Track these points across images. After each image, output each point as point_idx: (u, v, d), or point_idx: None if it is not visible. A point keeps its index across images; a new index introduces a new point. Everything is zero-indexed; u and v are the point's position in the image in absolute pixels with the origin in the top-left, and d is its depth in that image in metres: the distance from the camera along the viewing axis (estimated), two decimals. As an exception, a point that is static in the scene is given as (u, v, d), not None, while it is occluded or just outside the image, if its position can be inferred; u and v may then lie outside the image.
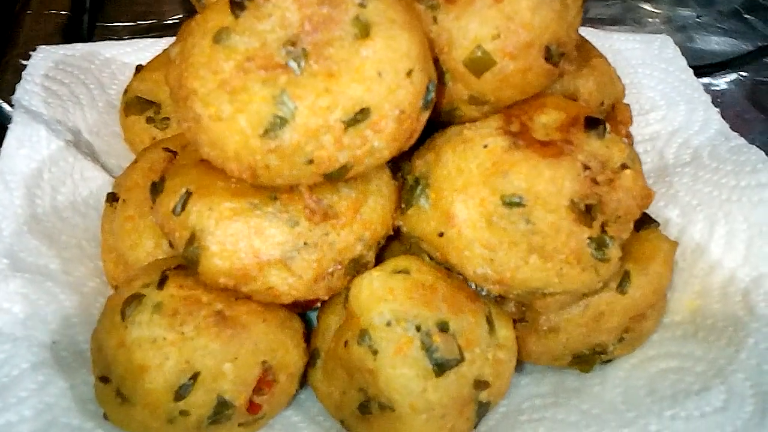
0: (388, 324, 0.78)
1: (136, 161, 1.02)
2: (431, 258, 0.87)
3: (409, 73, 0.73)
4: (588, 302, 0.87)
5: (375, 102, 0.71)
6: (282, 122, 0.70)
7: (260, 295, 0.80)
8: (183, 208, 0.78)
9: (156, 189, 0.83)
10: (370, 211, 0.83)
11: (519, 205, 0.78)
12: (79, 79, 1.33)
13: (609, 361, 0.95)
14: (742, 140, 1.24)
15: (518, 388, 0.95)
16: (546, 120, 0.85)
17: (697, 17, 1.82)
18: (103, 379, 0.80)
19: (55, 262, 1.02)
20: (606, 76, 1.01)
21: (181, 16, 1.85)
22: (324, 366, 0.87)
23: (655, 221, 0.96)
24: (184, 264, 0.82)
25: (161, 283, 0.79)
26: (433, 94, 0.77)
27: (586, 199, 0.79)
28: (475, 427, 0.87)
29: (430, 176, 0.84)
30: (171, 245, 0.81)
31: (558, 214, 0.78)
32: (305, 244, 0.78)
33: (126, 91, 1.21)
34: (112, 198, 1.02)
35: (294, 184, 0.76)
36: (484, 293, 0.86)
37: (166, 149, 1.01)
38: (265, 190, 0.78)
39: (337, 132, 0.71)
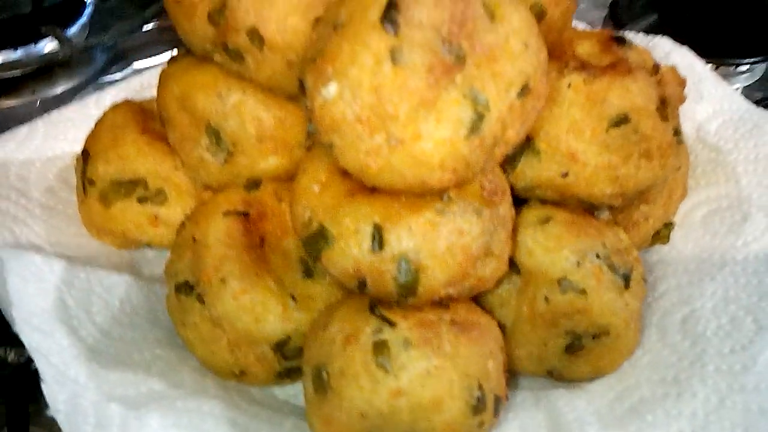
0: (578, 264, 0.85)
1: (196, 239, 0.92)
2: (543, 202, 0.95)
3: (538, 37, 0.78)
4: (664, 184, 1.03)
5: (531, 71, 0.76)
6: (480, 117, 0.72)
7: (469, 291, 0.81)
8: (381, 242, 0.75)
9: (321, 239, 0.77)
10: (500, 177, 0.88)
11: (626, 121, 0.89)
12: (-9, 195, 1.11)
13: (666, 228, 1.12)
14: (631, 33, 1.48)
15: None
16: (585, 50, 0.96)
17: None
18: (378, 441, 0.75)
19: (153, 381, 0.89)
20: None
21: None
22: (513, 335, 0.90)
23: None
24: (371, 299, 0.80)
25: (387, 321, 0.76)
26: (544, 52, 0.84)
27: (660, 100, 0.93)
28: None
29: (530, 130, 0.91)
30: (361, 288, 0.77)
31: (654, 118, 0.90)
32: (494, 226, 0.81)
33: (91, 182, 1.05)
34: (187, 289, 0.91)
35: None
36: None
37: (230, 212, 0.92)
38: (434, 195, 0.79)
39: (517, 109, 0.75)
